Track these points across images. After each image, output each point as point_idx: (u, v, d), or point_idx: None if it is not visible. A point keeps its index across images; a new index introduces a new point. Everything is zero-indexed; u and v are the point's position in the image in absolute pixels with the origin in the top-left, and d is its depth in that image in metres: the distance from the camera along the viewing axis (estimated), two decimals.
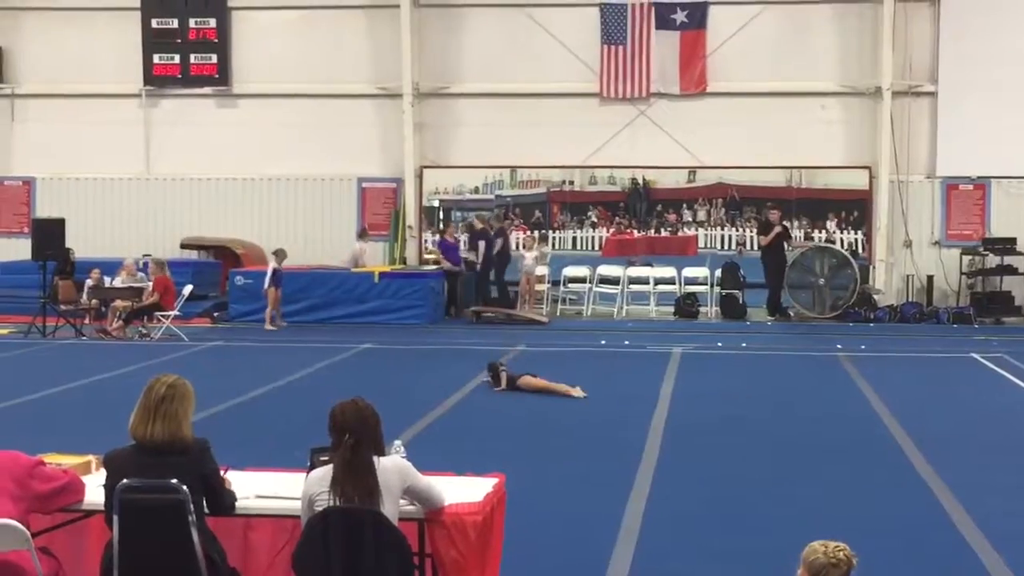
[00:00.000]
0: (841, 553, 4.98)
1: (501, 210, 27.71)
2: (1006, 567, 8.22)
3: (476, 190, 28.03)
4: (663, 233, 27.61)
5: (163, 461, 6.12)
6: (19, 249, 26.90)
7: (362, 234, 27.13)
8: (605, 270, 26.91)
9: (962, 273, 26.09)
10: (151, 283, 22.90)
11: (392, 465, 6.12)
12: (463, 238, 26.88)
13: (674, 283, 26.56)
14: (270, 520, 6.71)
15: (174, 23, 27.98)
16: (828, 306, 25.39)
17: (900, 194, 26.42)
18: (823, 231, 26.92)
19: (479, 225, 26.43)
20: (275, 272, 23.78)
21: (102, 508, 6.28)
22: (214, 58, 27.98)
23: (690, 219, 27.53)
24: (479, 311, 25.42)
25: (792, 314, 25.59)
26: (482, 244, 26.07)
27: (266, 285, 23.72)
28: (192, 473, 6.12)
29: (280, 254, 24.19)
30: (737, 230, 27.34)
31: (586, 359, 19.03)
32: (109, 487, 6.15)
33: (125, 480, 6.07)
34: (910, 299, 26.16)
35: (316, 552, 5.90)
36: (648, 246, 27.62)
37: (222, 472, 6.47)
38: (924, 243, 26.61)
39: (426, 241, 27.80)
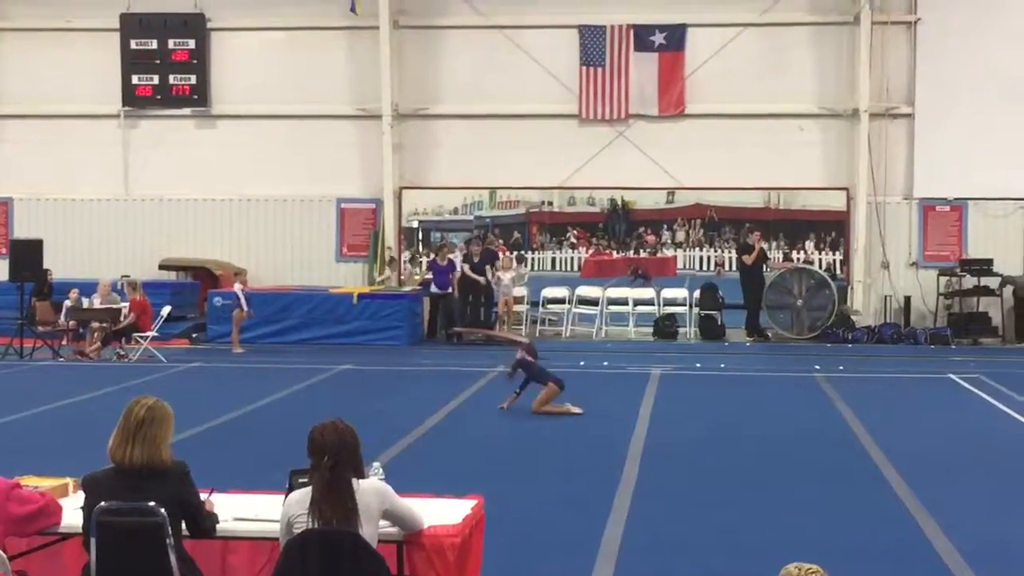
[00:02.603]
0: (815, 575, 5.00)
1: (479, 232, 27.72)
2: None
3: (455, 211, 28.05)
4: (642, 254, 27.66)
5: (142, 484, 6.10)
6: None
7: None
8: (584, 291, 26.94)
9: (939, 294, 26.21)
10: (127, 304, 22.82)
11: (371, 487, 6.12)
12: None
13: (653, 304, 26.60)
14: (249, 542, 6.69)
15: (153, 44, 27.97)
16: (806, 327, 25.47)
17: (877, 215, 26.54)
18: (801, 252, 27.01)
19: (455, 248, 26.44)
20: (244, 294, 23.73)
21: (79, 531, 6.25)
22: (193, 79, 27.97)
23: (669, 240, 27.59)
24: (459, 332, 25.41)
25: (770, 335, 25.66)
26: (466, 267, 25.89)
27: (245, 308, 23.61)
28: (171, 496, 6.11)
29: (243, 274, 24.15)
30: (716, 251, 27.41)
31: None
32: (87, 509, 6.13)
33: (103, 503, 6.05)
34: (888, 320, 26.26)
35: (294, 574, 5.89)
36: (627, 267, 27.64)
37: (208, 495, 6.48)
38: (901, 264, 26.73)
39: (406, 262, 27.75)
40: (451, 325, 25.63)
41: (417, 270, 27.36)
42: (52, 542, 6.65)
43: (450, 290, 25.65)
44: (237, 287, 23.81)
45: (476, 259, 25.76)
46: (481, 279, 25.45)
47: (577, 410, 15.72)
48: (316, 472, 6.00)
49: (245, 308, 23.57)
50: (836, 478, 11.99)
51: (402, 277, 27.02)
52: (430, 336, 25.74)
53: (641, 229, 27.69)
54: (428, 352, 23.68)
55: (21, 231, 27.63)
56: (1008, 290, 25.69)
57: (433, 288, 25.69)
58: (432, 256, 26.50)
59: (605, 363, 21.52)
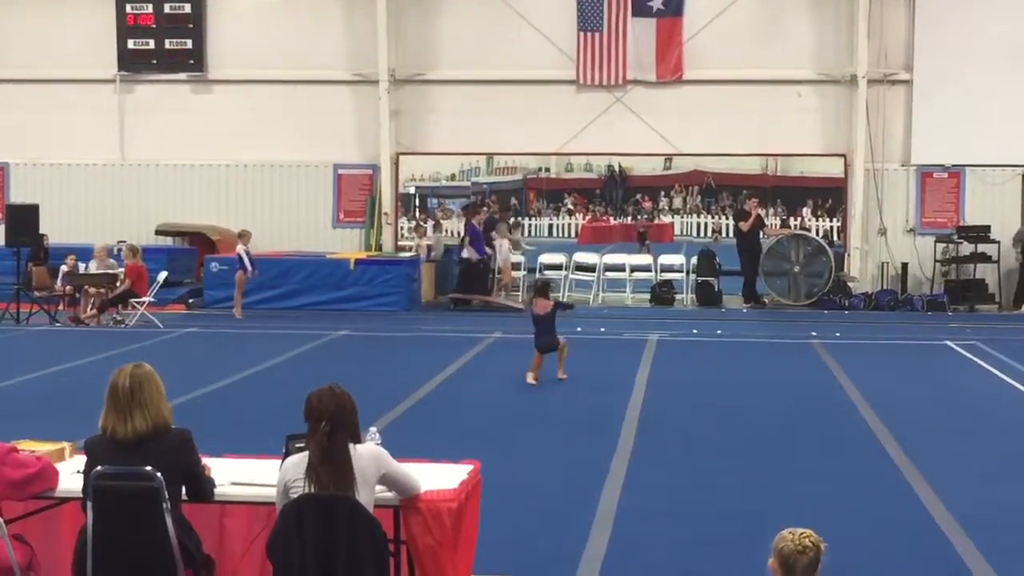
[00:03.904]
0: (808, 540, 5.05)
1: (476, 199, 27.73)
2: (977, 552, 8.29)
3: (452, 177, 28.01)
4: (639, 220, 27.65)
5: (144, 449, 6.10)
6: None
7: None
8: (581, 257, 26.93)
9: (936, 261, 26.20)
10: (123, 269, 22.78)
11: (367, 452, 6.12)
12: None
13: (650, 270, 26.60)
14: (245, 507, 6.70)
15: (148, 8, 27.77)
16: (803, 293, 25.47)
17: (875, 182, 26.50)
18: (798, 218, 26.99)
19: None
20: (248, 255, 23.57)
21: (75, 495, 6.25)
22: (189, 43, 27.82)
23: (666, 206, 27.56)
24: (456, 298, 25.41)
25: (767, 301, 25.66)
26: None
27: (249, 268, 23.41)
28: (173, 462, 6.11)
29: (247, 236, 23.89)
30: (713, 217, 27.40)
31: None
32: (87, 473, 6.12)
33: (99, 467, 6.05)
34: (884, 287, 26.26)
35: (291, 539, 5.90)
36: (624, 233, 27.65)
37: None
38: (899, 231, 26.70)
39: (402, 227, 27.75)
40: (485, 291, 25.44)
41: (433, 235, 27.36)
42: (49, 506, 6.66)
43: (484, 256, 25.42)
44: (240, 248, 23.62)
45: (480, 227, 25.70)
46: (477, 253, 25.38)
47: (532, 380, 15.55)
48: (313, 437, 6.00)
49: (249, 269, 23.41)
50: (832, 445, 12.02)
51: (430, 243, 26.68)
52: (460, 303, 25.36)
53: (638, 195, 27.67)
54: (424, 318, 23.68)
55: (17, 196, 27.54)
56: (1009, 256, 25.61)
57: (467, 253, 25.37)
58: (469, 220, 26.18)
59: (602, 329, 21.51)
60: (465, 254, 25.27)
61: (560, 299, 15.97)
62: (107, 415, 6.20)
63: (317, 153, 27.58)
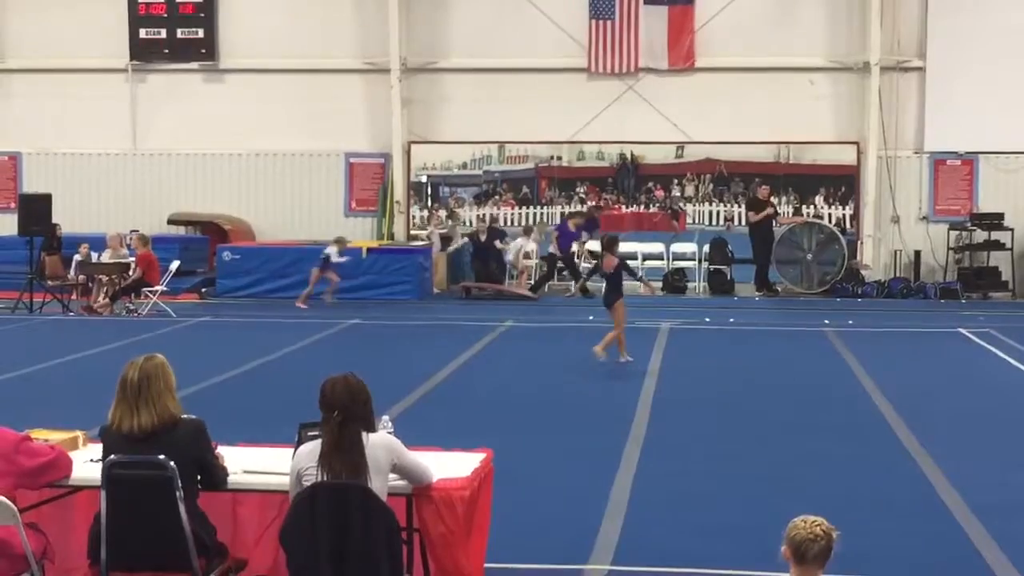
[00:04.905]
0: (819, 528, 5.06)
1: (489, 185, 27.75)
2: (989, 539, 8.28)
3: (464, 165, 28.01)
4: (652, 209, 27.62)
5: (158, 439, 6.11)
6: (5, 224, 26.84)
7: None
8: (593, 245, 26.86)
9: (949, 248, 26.14)
10: (135, 259, 22.83)
11: (380, 441, 6.13)
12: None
13: (662, 258, 26.58)
14: (258, 495, 6.71)
15: None
16: (816, 281, 25.44)
17: (888, 169, 26.44)
18: (811, 206, 26.93)
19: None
20: (328, 258, 23.70)
21: (89, 484, 6.26)
22: (201, 33, 27.85)
23: (678, 195, 27.53)
24: (468, 287, 25.44)
25: (780, 289, 25.63)
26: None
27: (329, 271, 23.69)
28: (186, 452, 6.12)
29: (342, 241, 24.05)
30: (725, 205, 27.36)
31: (575, 335, 19.05)
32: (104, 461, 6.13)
33: (112, 456, 6.07)
34: (897, 274, 26.21)
35: (303, 527, 5.91)
36: (636, 222, 27.62)
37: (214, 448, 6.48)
38: (912, 218, 26.65)
39: (414, 216, 27.80)
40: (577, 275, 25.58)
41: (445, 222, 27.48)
42: (63, 494, 6.68)
43: (571, 252, 25.63)
44: (331, 249, 23.74)
45: (483, 237, 25.85)
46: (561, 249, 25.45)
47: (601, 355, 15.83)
48: (326, 426, 6.01)
49: (329, 271, 23.56)
50: (845, 432, 12.00)
51: (443, 232, 26.85)
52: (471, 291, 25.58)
53: (650, 184, 27.63)
54: (436, 307, 23.69)
55: (30, 185, 27.61)
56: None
57: (553, 248, 25.59)
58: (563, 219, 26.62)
59: None
60: (552, 248, 25.58)
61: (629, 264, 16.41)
62: (116, 407, 6.21)
63: (329, 142, 27.61)
